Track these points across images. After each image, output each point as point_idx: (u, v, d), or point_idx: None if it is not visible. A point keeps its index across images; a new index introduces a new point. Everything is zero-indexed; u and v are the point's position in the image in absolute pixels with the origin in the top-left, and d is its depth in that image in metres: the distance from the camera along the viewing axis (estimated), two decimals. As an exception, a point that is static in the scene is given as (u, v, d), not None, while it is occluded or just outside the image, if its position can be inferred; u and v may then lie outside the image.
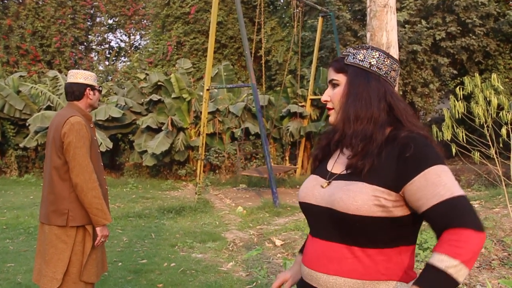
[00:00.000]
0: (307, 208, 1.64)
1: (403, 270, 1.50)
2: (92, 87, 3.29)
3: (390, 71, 1.61)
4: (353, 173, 1.53)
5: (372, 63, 1.59)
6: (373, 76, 1.58)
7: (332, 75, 1.65)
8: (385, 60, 1.60)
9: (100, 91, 3.38)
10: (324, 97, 1.67)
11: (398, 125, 1.56)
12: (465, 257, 1.33)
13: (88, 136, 3.13)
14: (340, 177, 1.57)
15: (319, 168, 1.72)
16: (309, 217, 1.65)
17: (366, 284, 1.47)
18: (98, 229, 3.12)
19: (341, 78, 1.63)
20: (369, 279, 1.47)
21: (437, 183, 1.41)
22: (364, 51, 1.61)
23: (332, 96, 1.65)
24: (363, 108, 1.55)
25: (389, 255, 1.48)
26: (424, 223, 1.50)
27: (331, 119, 1.67)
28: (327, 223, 1.55)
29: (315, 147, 1.82)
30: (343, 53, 1.66)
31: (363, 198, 1.45)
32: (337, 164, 1.64)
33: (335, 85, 1.65)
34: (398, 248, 1.50)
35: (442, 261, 1.34)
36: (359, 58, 1.60)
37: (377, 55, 1.60)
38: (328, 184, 1.58)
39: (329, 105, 1.67)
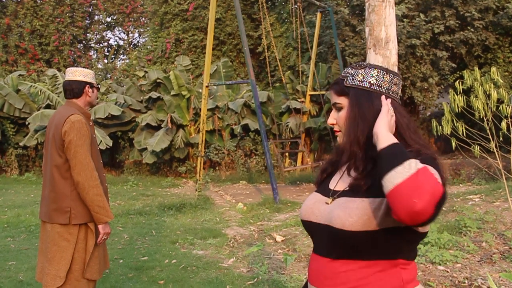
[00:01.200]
0: (308, 226, 1.66)
1: (399, 281, 1.50)
2: (91, 85, 3.29)
3: (392, 86, 1.60)
4: (354, 190, 1.54)
5: (372, 82, 1.58)
6: (375, 95, 1.57)
7: (335, 98, 1.64)
8: (385, 76, 1.59)
9: (98, 89, 3.38)
10: (330, 121, 1.67)
11: (402, 142, 1.55)
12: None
13: (88, 134, 3.13)
14: (342, 194, 1.59)
15: (322, 185, 1.73)
16: (310, 234, 1.67)
17: None
18: (100, 226, 3.12)
19: (343, 101, 1.62)
20: None
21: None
22: (362, 70, 1.59)
23: (337, 119, 1.65)
24: (370, 130, 1.54)
25: (384, 267, 1.49)
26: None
27: (339, 140, 1.67)
28: (325, 240, 1.56)
29: (325, 161, 1.81)
30: (342, 75, 1.64)
31: (358, 214, 1.46)
32: (341, 182, 1.65)
33: (339, 108, 1.64)
34: (395, 261, 1.50)
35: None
36: (358, 79, 1.59)
37: (376, 73, 1.58)
38: (332, 201, 1.59)
39: (335, 128, 1.67)
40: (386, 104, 1.52)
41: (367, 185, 1.50)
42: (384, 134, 1.44)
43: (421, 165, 1.33)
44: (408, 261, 1.54)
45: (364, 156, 1.55)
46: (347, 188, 1.58)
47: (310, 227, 1.64)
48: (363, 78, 1.58)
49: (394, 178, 1.32)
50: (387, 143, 1.41)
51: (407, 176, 1.31)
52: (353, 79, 1.59)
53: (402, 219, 1.32)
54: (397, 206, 1.31)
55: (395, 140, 1.42)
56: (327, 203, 1.59)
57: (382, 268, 1.49)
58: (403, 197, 1.29)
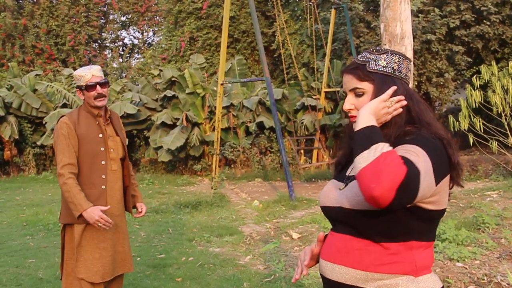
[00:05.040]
0: (325, 211, 1.68)
1: (412, 265, 1.49)
2: (80, 87, 3.21)
3: (408, 72, 1.63)
4: None
5: (395, 67, 1.59)
6: (397, 81, 1.59)
7: (355, 83, 1.61)
8: (403, 62, 1.61)
9: (91, 86, 3.18)
10: (346, 106, 1.64)
11: (416, 125, 1.57)
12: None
13: (69, 134, 3.12)
14: (353, 178, 1.59)
15: (340, 174, 1.74)
16: (328, 218, 1.70)
17: (369, 275, 1.49)
18: (85, 217, 3.03)
19: (366, 87, 1.60)
20: (373, 271, 1.48)
21: (406, 149, 1.43)
22: (384, 55, 1.60)
23: (357, 105, 1.62)
24: (398, 115, 1.57)
25: (397, 249, 1.49)
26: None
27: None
28: (340, 220, 1.59)
29: (338, 154, 1.83)
30: (360, 59, 1.62)
31: None
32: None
33: (359, 94, 1.62)
34: (408, 243, 1.49)
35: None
36: (382, 64, 1.59)
37: (397, 59, 1.60)
38: (345, 186, 1.60)
39: (353, 113, 1.63)
40: (387, 94, 1.54)
41: None
42: (362, 116, 1.48)
43: (387, 149, 1.35)
44: (422, 242, 1.52)
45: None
46: None
47: (326, 212, 1.67)
48: (387, 63, 1.59)
49: (359, 162, 1.37)
50: (362, 125, 1.45)
51: (369, 160, 1.35)
52: (375, 64, 1.59)
53: (368, 202, 1.36)
54: (361, 190, 1.36)
55: (371, 123, 1.45)
56: (340, 189, 1.61)
57: (396, 251, 1.49)
58: (364, 181, 1.34)
